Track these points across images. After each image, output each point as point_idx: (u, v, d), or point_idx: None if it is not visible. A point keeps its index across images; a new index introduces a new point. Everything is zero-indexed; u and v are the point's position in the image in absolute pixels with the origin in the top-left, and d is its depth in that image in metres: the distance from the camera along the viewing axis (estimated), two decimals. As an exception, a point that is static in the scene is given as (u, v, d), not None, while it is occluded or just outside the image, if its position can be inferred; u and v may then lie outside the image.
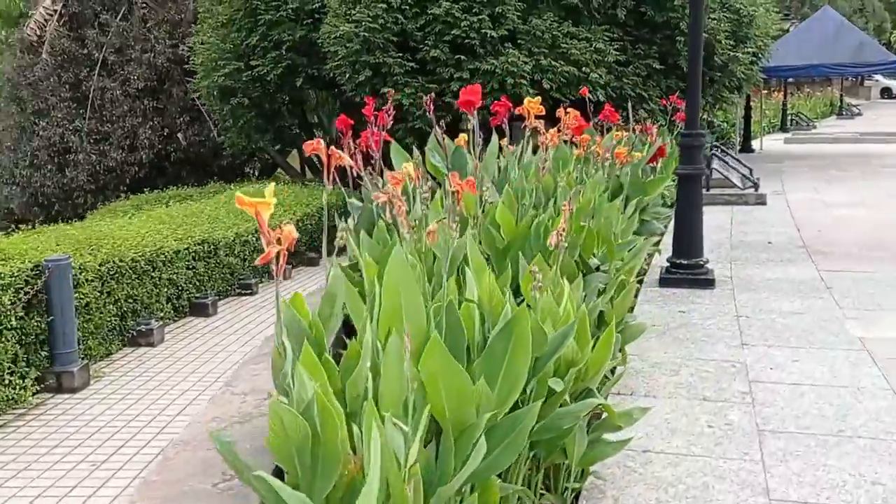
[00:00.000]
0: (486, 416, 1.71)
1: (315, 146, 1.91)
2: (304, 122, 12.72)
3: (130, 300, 5.19)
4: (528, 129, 4.13)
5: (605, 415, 2.52)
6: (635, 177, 5.09)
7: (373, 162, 3.69)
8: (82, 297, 4.58)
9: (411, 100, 9.58)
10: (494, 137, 4.32)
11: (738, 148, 15.60)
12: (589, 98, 9.01)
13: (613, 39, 9.96)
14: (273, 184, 1.40)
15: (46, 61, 14.80)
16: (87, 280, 4.53)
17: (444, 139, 4.11)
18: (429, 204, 3.03)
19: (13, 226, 13.04)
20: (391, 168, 3.90)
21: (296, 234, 1.39)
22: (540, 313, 2.36)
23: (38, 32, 14.94)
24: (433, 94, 4.47)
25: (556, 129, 4.63)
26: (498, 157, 4.33)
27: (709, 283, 4.79)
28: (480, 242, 3.19)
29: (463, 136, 4.12)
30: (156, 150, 14.70)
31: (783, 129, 21.91)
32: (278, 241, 1.36)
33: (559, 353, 2.06)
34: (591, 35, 9.82)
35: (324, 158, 1.94)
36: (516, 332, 1.88)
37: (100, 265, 4.75)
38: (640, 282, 5.16)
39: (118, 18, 14.92)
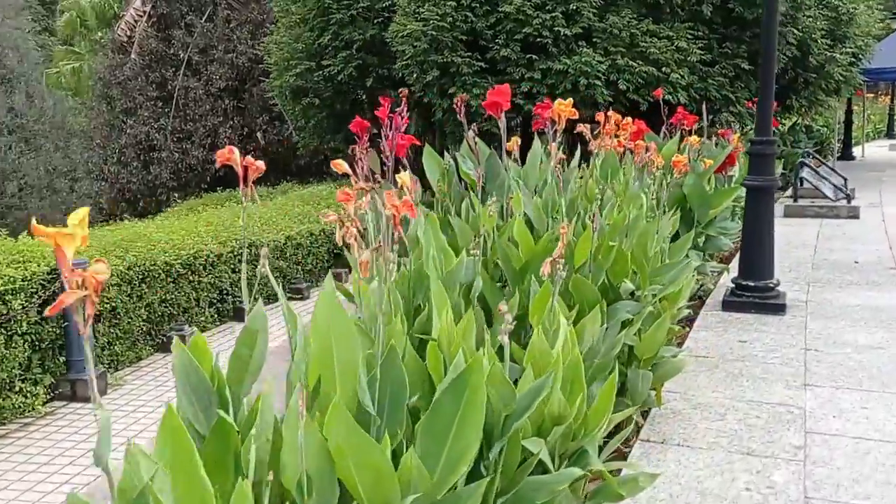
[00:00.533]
0: (410, 500, 1.38)
1: (227, 156, 1.62)
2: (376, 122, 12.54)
3: (164, 304, 5.08)
4: (558, 134, 3.75)
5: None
6: (698, 188, 4.62)
7: (385, 168, 3.39)
8: (106, 301, 4.48)
9: (480, 101, 9.25)
10: (536, 142, 3.95)
11: (838, 155, 14.56)
12: (663, 100, 8.49)
13: (697, 37, 9.35)
14: (86, 208, 1.10)
15: (135, 61, 15.20)
16: (112, 284, 4.43)
17: (476, 143, 3.77)
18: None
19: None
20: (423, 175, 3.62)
21: (105, 276, 1.08)
22: (528, 355, 2.00)
23: (128, 33, 15.37)
24: (465, 95, 4.13)
25: (603, 133, 4.23)
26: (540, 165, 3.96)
27: (778, 309, 4.27)
28: (496, 264, 2.85)
29: (515, 140, 3.78)
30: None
31: (889, 135, 20.44)
32: (84, 284, 1.06)
33: (530, 412, 1.70)
34: (672, 33, 9.25)
35: (238, 169, 1.65)
36: (470, 386, 1.54)
37: (127, 269, 4.64)
38: (702, 304, 4.69)
39: (203, 19, 15.18)
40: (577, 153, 3.98)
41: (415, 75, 9.50)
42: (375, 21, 10.44)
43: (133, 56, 15.26)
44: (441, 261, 2.36)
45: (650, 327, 2.69)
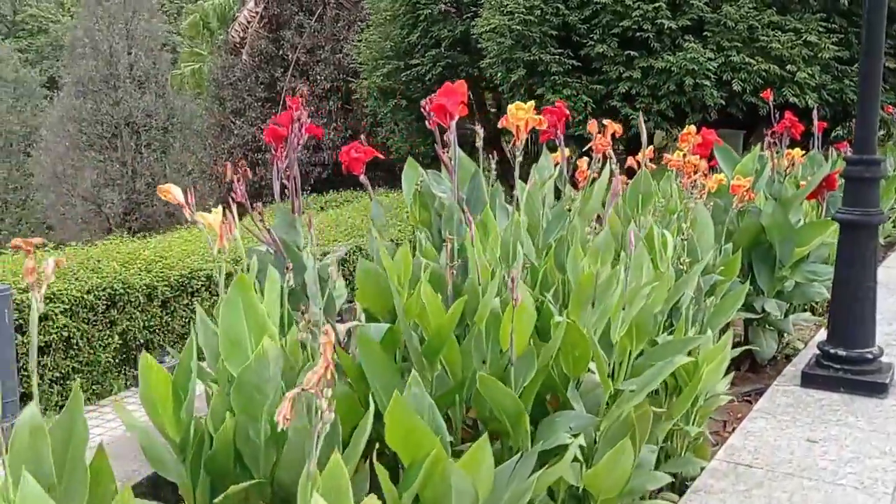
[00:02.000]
0: None
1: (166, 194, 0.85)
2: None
3: (150, 331, 4.55)
4: (517, 147, 2.83)
5: None
6: (780, 218, 3.54)
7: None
8: (57, 330, 3.96)
9: (570, 103, 8.27)
10: (544, 158, 3.04)
11: None
12: (786, 103, 7.20)
13: (832, 31, 7.95)
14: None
15: (246, 62, 15.21)
16: (62, 311, 3.92)
17: (453, 159, 2.91)
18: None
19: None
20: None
21: None
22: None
23: (241, 34, 15.41)
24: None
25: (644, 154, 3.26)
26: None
27: (878, 389, 3.13)
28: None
29: (556, 154, 2.90)
30: (338, 150, 14.53)
31: None
32: None
33: None
34: (801, 25, 7.90)
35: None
36: None
37: (86, 293, 4.11)
38: (779, 372, 3.59)
39: (314, 19, 14.97)
40: (607, 171, 3.02)
41: (500, 74, 8.67)
42: (465, 17, 9.69)
43: (244, 57, 15.29)
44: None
45: (609, 452, 1.76)
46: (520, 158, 2.24)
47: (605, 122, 2.67)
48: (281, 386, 1.48)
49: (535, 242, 2.73)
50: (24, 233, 25.93)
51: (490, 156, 2.90)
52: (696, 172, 3.09)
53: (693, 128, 3.53)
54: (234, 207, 2.00)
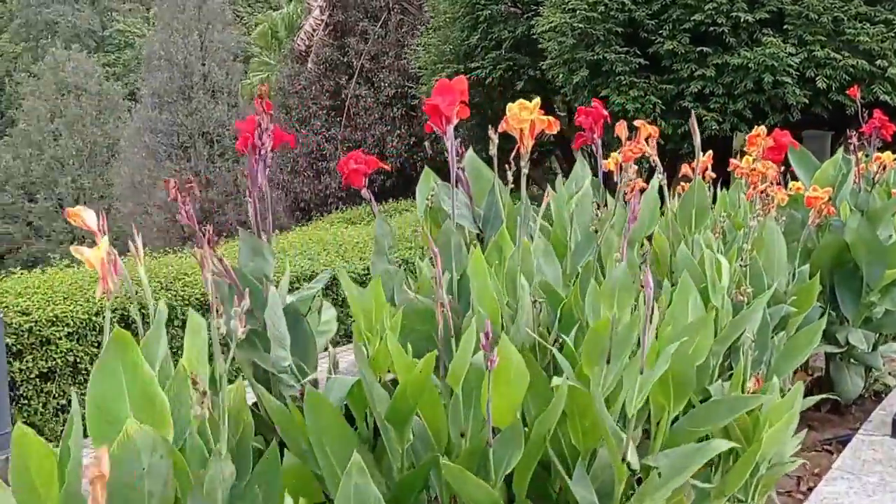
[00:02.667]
0: None
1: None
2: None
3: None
4: (522, 156, 2.40)
5: None
6: (867, 235, 3.00)
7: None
8: (61, 355, 3.69)
9: (637, 105, 7.75)
10: (579, 166, 2.62)
11: None
12: (875, 101, 6.53)
13: (929, 20, 7.19)
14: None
15: (311, 70, 15.15)
16: (66, 335, 3.63)
17: (469, 171, 2.53)
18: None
19: (276, 231, 13.46)
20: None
21: None
22: None
23: (307, 42, 15.36)
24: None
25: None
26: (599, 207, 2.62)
27: None
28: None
29: (614, 157, 2.49)
30: (402, 158, 14.32)
31: None
32: None
33: None
34: (892, 16, 7.18)
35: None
36: None
37: (94, 315, 3.82)
38: (866, 416, 3.04)
39: (378, 26, 14.79)
40: (655, 182, 2.57)
41: (561, 76, 8.20)
42: (526, 16, 9.25)
43: (310, 65, 15.23)
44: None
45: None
46: (526, 169, 1.83)
47: (637, 123, 2.22)
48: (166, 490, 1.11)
49: (564, 267, 2.31)
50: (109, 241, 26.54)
51: (507, 167, 2.49)
52: (764, 181, 2.61)
53: (763, 128, 3.03)
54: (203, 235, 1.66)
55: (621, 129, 2.03)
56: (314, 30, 15.25)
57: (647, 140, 2.14)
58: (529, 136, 1.72)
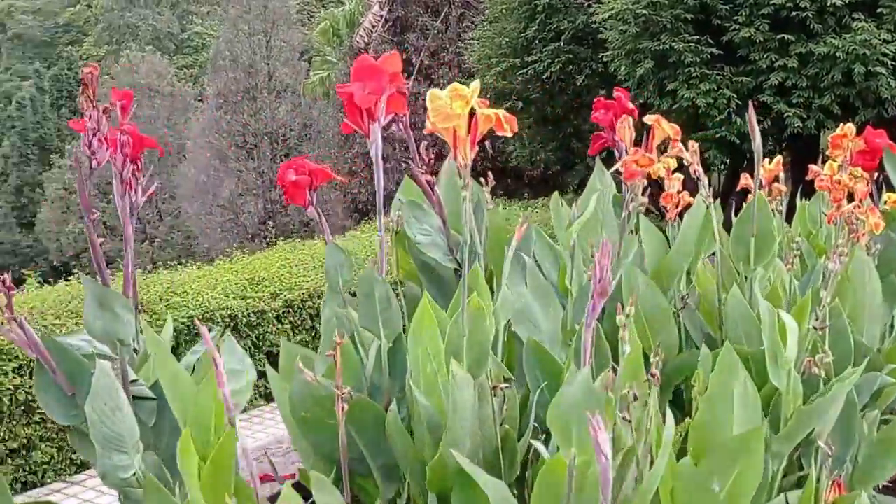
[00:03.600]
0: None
1: None
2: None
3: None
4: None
5: None
6: None
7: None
8: (9, 392, 3.19)
9: (709, 100, 6.96)
10: (596, 178, 1.98)
11: None
12: None
13: None
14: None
15: (370, 68, 14.70)
16: (14, 369, 3.13)
17: (437, 183, 1.93)
18: None
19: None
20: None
21: None
22: None
23: (366, 39, 14.95)
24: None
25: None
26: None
27: None
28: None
29: (667, 162, 1.86)
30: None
31: None
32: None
33: None
34: None
35: None
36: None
37: None
38: None
39: (438, 21, 14.26)
40: (700, 200, 1.90)
41: (623, 68, 7.46)
42: (587, 5, 8.53)
43: (368, 62, 14.78)
44: None
45: None
46: (464, 183, 1.22)
47: (650, 119, 1.55)
48: None
49: (564, 319, 1.70)
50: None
51: (485, 181, 1.87)
52: (851, 199, 1.91)
53: (850, 126, 2.31)
54: None
55: (621, 127, 1.35)
56: (373, 26, 14.83)
57: (661, 145, 1.48)
58: (467, 140, 1.10)
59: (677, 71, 7.15)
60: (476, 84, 1.12)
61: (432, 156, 1.84)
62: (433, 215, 1.88)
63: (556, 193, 1.80)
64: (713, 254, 2.20)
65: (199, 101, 28.77)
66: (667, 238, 2.15)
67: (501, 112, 1.10)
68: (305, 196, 1.91)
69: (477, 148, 1.20)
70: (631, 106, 1.90)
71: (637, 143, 1.82)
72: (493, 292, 1.70)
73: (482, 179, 1.81)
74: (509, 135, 1.14)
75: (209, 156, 20.17)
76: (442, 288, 1.88)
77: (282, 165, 1.92)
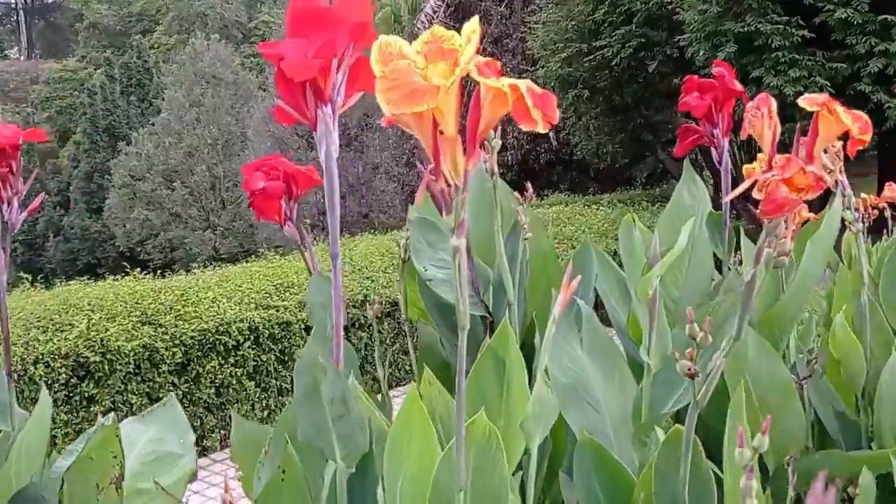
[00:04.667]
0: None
1: None
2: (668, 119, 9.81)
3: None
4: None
5: None
6: None
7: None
8: None
9: (799, 87, 6.24)
10: (685, 186, 1.42)
11: None
12: None
13: None
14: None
15: (430, 55, 14.23)
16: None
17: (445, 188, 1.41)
18: None
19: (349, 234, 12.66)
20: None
21: None
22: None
23: (426, 25, 14.44)
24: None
25: None
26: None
27: None
28: None
29: (759, 162, 1.31)
30: (524, 150, 13.14)
31: None
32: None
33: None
34: None
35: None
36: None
37: (54, 357, 2.89)
38: None
39: (502, 5, 13.66)
40: (836, 209, 1.33)
41: (702, 52, 6.78)
42: (662, -16, 7.84)
43: (429, 50, 14.30)
44: None
45: None
46: (455, 222, 0.68)
47: (810, 100, 0.97)
48: None
49: (637, 406, 1.16)
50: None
51: (521, 197, 1.34)
52: None
53: None
54: None
55: (755, 121, 0.78)
56: (435, 12, 14.33)
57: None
58: (458, 138, 0.57)
59: (763, 56, 6.44)
60: (473, 22, 0.59)
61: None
62: (446, 240, 1.34)
63: (626, 220, 1.25)
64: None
65: (263, 90, 28.82)
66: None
67: (525, 84, 0.57)
68: (279, 208, 1.41)
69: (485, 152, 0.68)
70: (739, 87, 1.33)
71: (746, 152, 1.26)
72: (532, 353, 1.18)
73: (516, 194, 1.27)
74: (541, 129, 0.60)
75: (269, 145, 20.02)
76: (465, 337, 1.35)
77: (246, 166, 1.42)
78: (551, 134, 13.33)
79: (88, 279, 4.27)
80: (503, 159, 13.26)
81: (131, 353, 2.98)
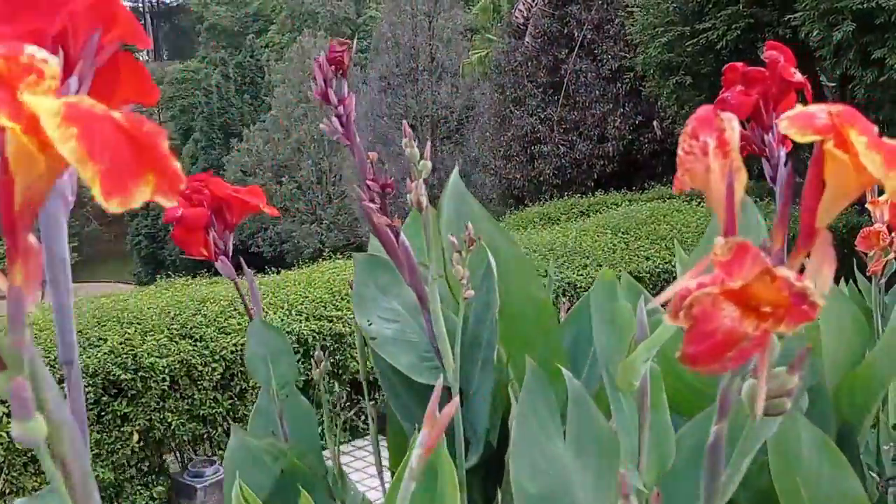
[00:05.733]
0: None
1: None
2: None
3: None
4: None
5: None
6: None
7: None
8: None
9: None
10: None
11: None
12: None
13: None
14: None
15: (528, 44, 13.82)
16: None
17: (389, 221, 1.08)
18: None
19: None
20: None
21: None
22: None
23: (525, 14, 14.06)
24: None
25: None
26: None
27: None
28: None
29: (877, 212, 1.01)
30: (626, 140, 12.53)
31: None
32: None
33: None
34: None
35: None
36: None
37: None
38: None
39: (604, -11, 13.07)
40: None
41: (816, 32, 6.12)
42: (772, -42, 7.16)
43: (527, 39, 13.88)
44: None
45: None
46: None
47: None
48: None
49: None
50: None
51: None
52: None
53: None
54: None
55: (690, 162, 0.41)
56: (533, 0, 13.86)
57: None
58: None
59: (886, 35, 5.72)
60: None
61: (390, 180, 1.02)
62: (403, 285, 1.04)
63: (604, 275, 0.90)
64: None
65: (365, 84, 29.14)
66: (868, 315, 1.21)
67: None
68: (203, 241, 1.14)
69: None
70: (799, 77, 0.95)
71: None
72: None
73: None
74: None
75: (370, 139, 20.10)
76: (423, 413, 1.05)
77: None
78: (655, 123, 12.67)
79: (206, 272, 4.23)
80: (603, 150, 12.70)
81: (166, 370, 2.82)
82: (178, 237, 1.12)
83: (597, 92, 12.66)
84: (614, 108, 12.49)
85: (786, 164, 0.97)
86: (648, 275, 5.12)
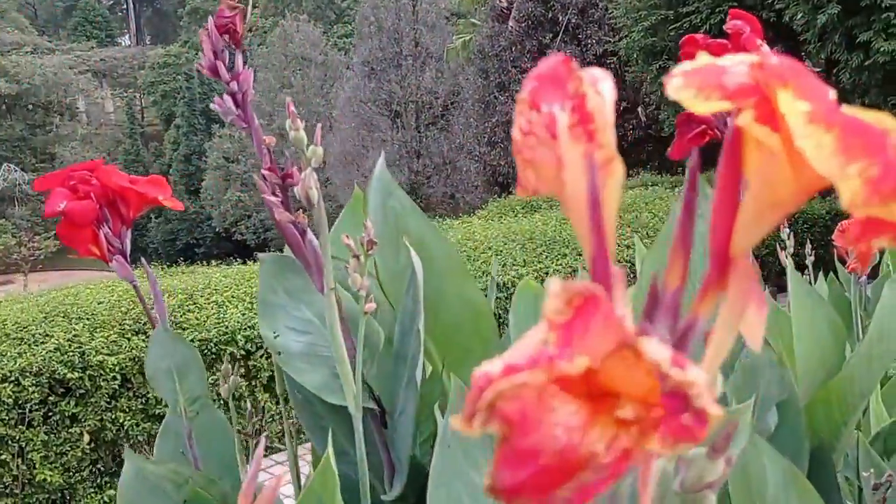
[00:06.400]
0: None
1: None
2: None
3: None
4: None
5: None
6: None
7: None
8: None
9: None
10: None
11: None
12: None
13: None
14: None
15: (512, 28, 13.65)
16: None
17: (294, 218, 0.92)
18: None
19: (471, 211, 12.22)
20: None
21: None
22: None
23: (509, -2, 13.85)
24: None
25: None
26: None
27: None
28: None
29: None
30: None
31: None
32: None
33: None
34: None
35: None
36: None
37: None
38: None
39: (588, -28, 12.91)
40: None
41: (800, 15, 6.00)
42: (756, -60, 7.01)
43: (511, 23, 13.70)
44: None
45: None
46: None
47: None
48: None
49: None
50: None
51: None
52: None
53: None
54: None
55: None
56: (517, -17, 13.67)
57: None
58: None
59: (871, 17, 5.61)
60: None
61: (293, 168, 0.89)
62: (316, 291, 0.91)
63: (523, 286, 0.76)
64: None
65: (348, 69, 28.81)
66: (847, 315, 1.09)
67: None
68: (93, 238, 1.01)
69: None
70: (766, 49, 0.82)
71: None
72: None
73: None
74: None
75: (354, 125, 19.83)
76: (344, 444, 0.94)
77: (46, 177, 1.01)
78: (639, 109, 12.54)
79: (187, 260, 4.04)
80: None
81: (117, 367, 2.67)
82: (63, 235, 0.97)
83: (581, 77, 12.50)
84: (599, 94, 12.34)
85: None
86: (630, 263, 5.00)
